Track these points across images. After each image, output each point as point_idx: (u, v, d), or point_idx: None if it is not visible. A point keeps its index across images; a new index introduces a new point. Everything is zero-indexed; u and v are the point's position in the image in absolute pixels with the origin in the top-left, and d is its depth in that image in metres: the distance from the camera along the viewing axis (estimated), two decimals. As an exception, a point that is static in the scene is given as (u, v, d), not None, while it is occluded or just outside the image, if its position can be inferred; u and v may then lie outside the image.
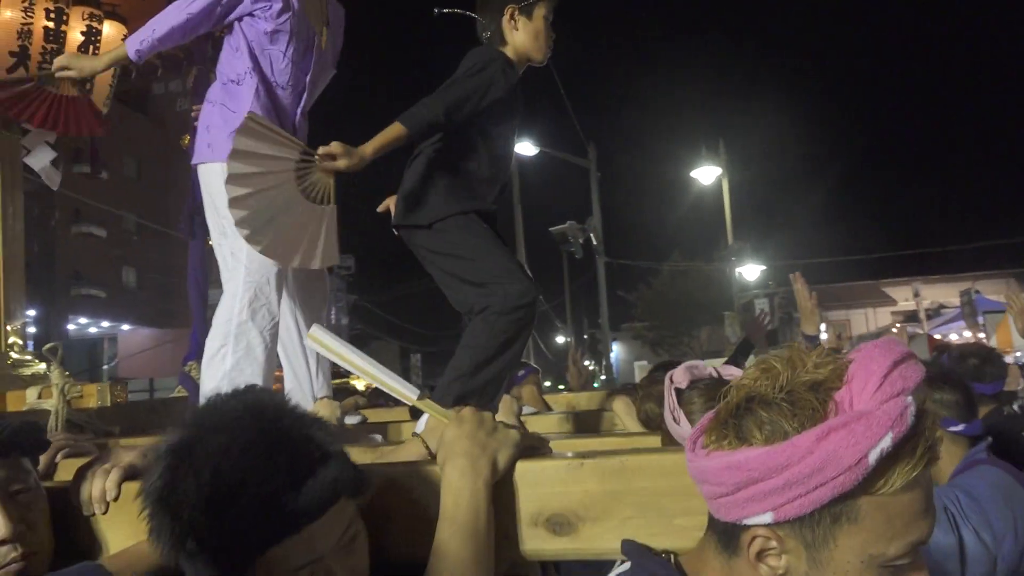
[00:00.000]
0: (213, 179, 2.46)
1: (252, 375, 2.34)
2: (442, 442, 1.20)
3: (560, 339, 30.69)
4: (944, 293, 27.72)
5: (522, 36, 2.41)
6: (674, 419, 1.67)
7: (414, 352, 27.31)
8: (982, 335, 17.26)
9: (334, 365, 1.65)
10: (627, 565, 1.04)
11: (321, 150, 2.11)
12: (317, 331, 1.38)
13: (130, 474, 1.34)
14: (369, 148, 2.14)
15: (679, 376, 1.72)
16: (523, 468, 1.20)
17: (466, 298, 2.29)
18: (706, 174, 20.22)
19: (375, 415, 3.06)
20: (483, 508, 1.13)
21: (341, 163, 2.10)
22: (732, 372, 1.74)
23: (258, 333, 2.36)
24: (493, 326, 2.18)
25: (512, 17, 2.40)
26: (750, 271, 22.25)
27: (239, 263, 2.39)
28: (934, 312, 24.79)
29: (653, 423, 2.25)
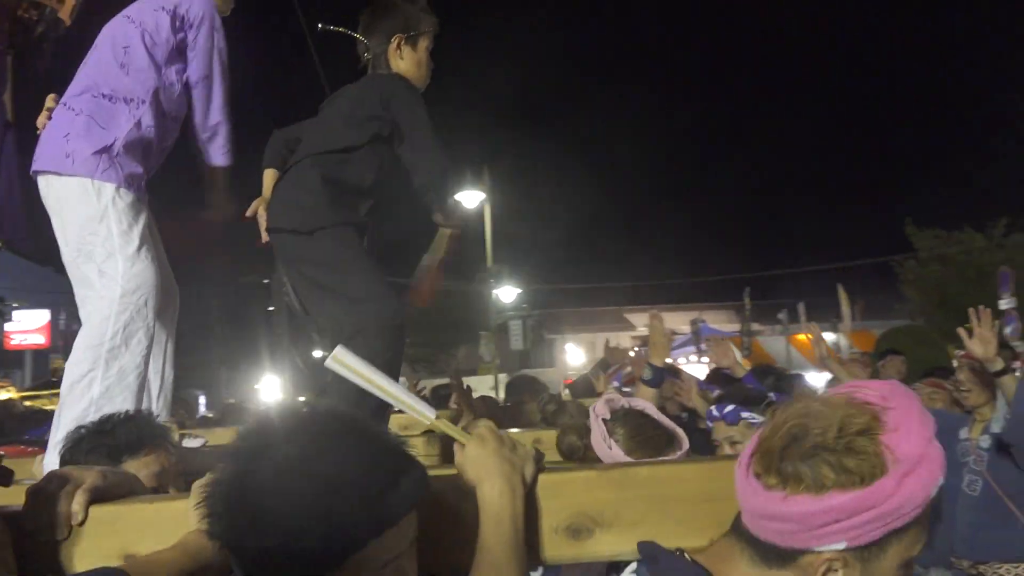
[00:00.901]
0: (71, 193, 2.25)
1: (123, 402, 2.15)
2: (468, 460, 1.24)
3: (318, 353, 29.94)
4: (677, 320, 30.36)
5: (406, 64, 2.50)
6: (607, 446, 1.86)
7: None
8: (705, 360, 19.12)
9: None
10: (634, 565, 1.16)
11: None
12: (342, 353, 1.33)
13: (96, 496, 1.26)
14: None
15: (601, 408, 1.97)
16: (544, 480, 1.29)
17: (333, 313, 2.24)
18: (470, 198, 20.73)
19: (215, 437, 2.79)
20: (521, 524, 1.20)
21: None
22: (638, 403, 2.04)
23: (132, 358, 2.20)
24: (372, 348, 2.07)
25: (399, 46, 2.49)
26: (507, 293, 23.05)
27: (113, 283, 2.19)
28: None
29: (577, 454, 2.41)
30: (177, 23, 2.38)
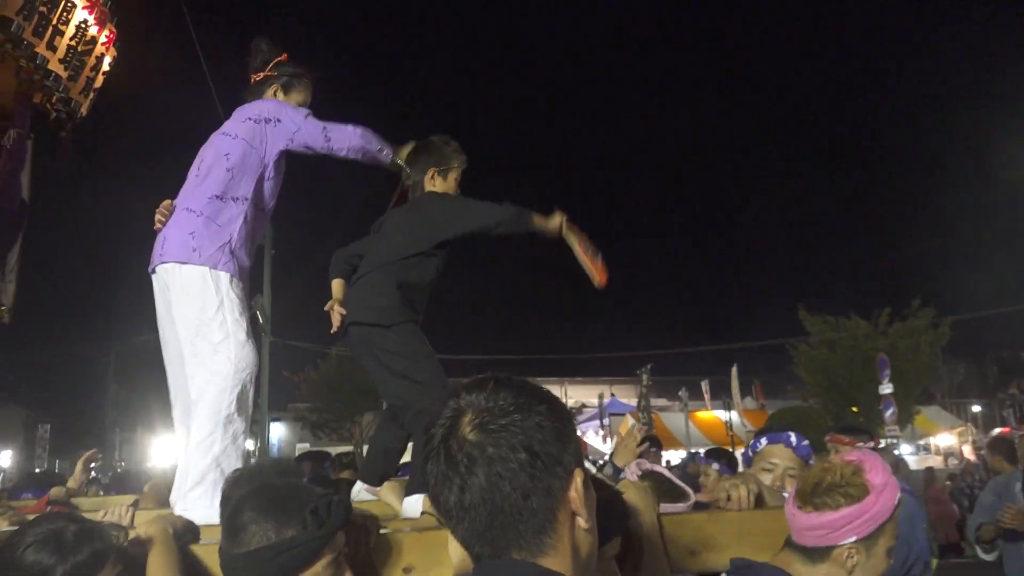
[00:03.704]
0: (193, 283, 2.68)
1: (236, 459, 2.60)
2: (631, 502, 1.82)
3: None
4: (586, 394, 30.85)
5: (438, 190, 3.14)
6: None
7: (43, 422, 24.04)
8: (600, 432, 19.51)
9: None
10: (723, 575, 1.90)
11: None
12: None
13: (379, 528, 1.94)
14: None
15: (634, 469, 2.59)
16: (675, 519, 2.01)
17: (403, 393, 2.83)
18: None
19: (108, 503, 3.03)
20: (658, 534, 1.85)
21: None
22: (656, 467, 2.61)
23: (242, 423, 2.64)
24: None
25: (432, 177, 3.15)
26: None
27: (227, 361, 2.61)
28: (576, 410, 27.44)
29: None
30: (260, 125, 2.87)
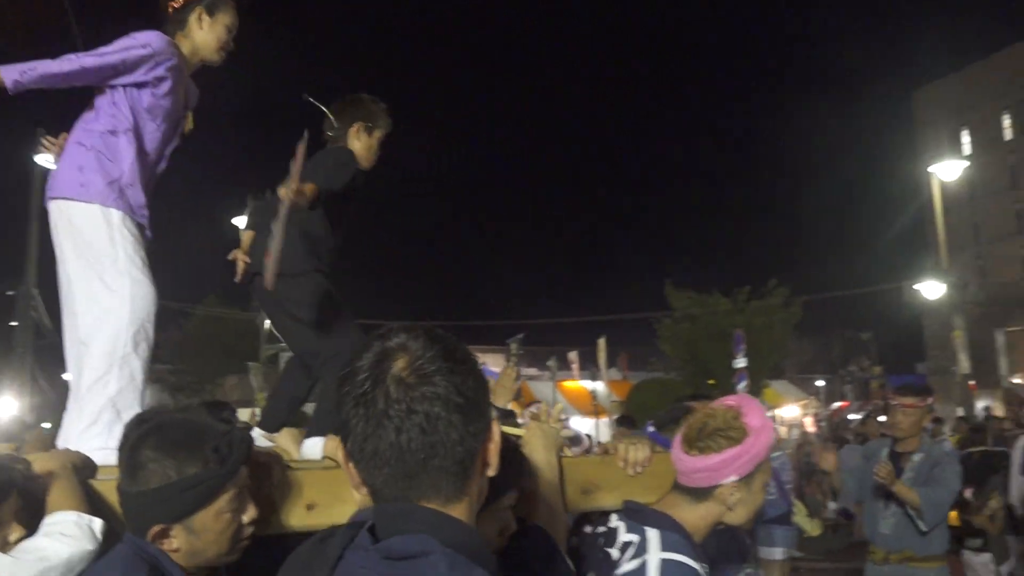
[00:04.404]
0: (85, 220, 2.55)
1: (133, 401, 2.48)
2: (528, 442, 1.94)
3: (67, 376, 27.35)
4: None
5: (360, 146, 3.11)
6: None
7: None
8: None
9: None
10: (614, 515, 2.03)
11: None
12: None
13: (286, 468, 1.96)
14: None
15: (527, 417, 2.59)
16: (571, 461, 2.09)
17: (310, 344, 2.81)
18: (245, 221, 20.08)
19: None
20: (557, 476, 1.95)
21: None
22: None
23: (140, 363, 2.52)
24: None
25: (358, 131, 3.12)
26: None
27: (123, 300, 2.49)
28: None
29: None
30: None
